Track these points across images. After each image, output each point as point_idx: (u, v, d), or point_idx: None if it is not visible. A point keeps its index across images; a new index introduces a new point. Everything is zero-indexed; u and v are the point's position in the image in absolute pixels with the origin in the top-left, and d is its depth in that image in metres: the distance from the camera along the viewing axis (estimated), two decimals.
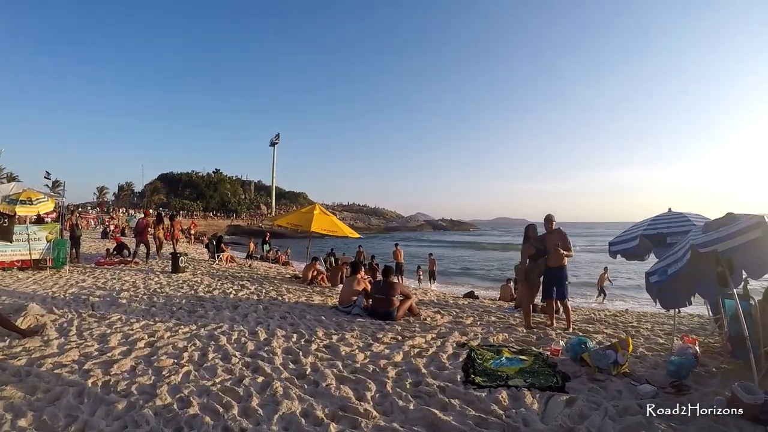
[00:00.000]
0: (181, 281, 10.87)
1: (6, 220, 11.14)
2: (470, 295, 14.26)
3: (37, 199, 11.37)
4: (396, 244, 21.43)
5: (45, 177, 45.43)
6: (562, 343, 5.36)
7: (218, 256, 15.39)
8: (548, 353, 5.16)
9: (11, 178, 72.53)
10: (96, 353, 5.06)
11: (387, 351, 5.32)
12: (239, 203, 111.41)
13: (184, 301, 8.36)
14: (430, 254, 22.64)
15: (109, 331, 5.98)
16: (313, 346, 5.55)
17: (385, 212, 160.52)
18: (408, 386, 4.14)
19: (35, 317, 6.31)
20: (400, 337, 6.04)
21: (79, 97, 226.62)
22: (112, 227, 31.71)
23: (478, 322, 7.28)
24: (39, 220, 12.54)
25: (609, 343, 5.03)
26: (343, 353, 5.21)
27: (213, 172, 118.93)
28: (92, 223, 37.89)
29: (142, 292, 9.23)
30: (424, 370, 4.56)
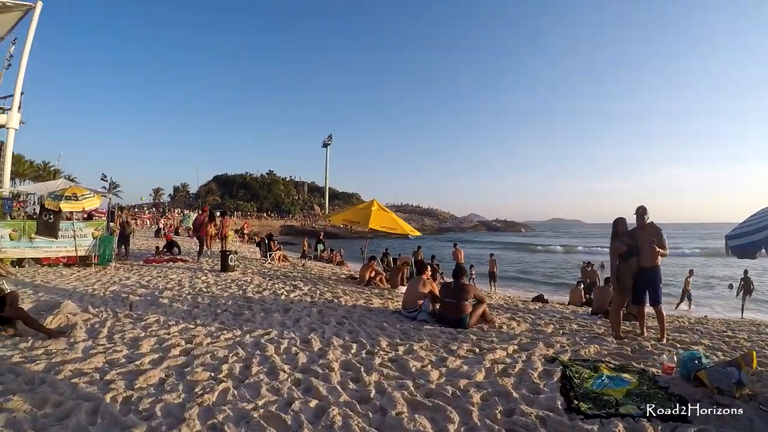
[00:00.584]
0: (229, 280, 10.39)
1: (51, 216, 11.22)
2: (540, 299, 13.39)
3: (83, 195, 11.35)
4: (455, 244, 20.84)
5: (102, 179, 47.89)
6: (675, 359, 4.61)
7: (270, 254, 14.95)
8: (655, 371, 4.56)
9: (70, 181, 77.61)
10: (123, 360, 4.44)
11: (465, 367, 4.57)
12: (293, 204, 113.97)
13: (230, 303, 7.76)
14: (491, 254, 21.89)
15: (143, 334, 5.39)
16: (377, 360, 4.71)
17: (439, 213, 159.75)
18: (499, 416, 3.42)
19: (67, 316, 5.86)
20: (477, 350, 5.28)
21: (135, 102, 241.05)
22: (161, 225, 32.63)
23: (561, 331, 6.61)
24: (88, 217, 12.57)
25: (728, 359, 4.54)
26: (414, 369, 4.46)
27: (267, 173, 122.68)
28: (147, 223, 39.48)
29: (187, 291, 8.78)
30: (514, 394, 3.85)
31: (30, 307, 6.66)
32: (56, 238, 11.48)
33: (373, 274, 11.38)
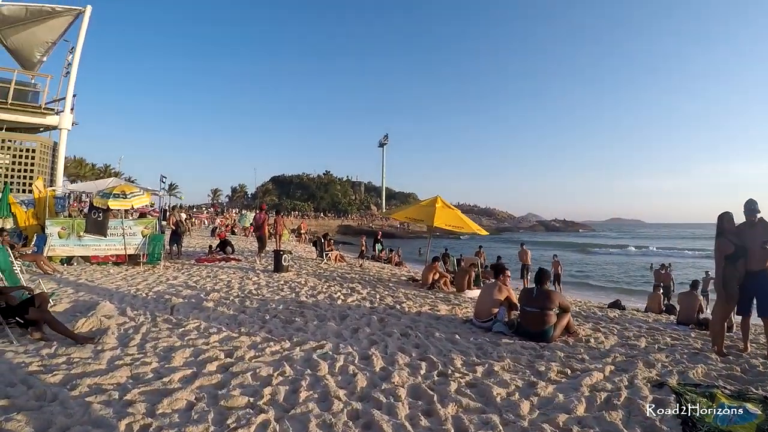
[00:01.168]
0: (282, 282, 9.89)
1: (100, 214, 11.25)
2: (617, 305, 12.47)
3: (132, 192, 11.31)
4: (522, 244, 20.24)
5: (161, 180, 49.92)
6: None
7: (326, 254, 14.43)
8: None
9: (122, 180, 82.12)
10: (150, 375, 3.88)
11: (560, 396, 3.81)
12: (349, 204, 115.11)
13: (281, 307, 7.16)
14: (555, 256, 21.35)
15: (178, 343, 4.84)
16: (453, 385, 3.93)
17: (497, 213, 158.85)
18: None
19: (100, 319, 5.45)
20: (569, 371, 4.53)
21: (194, 104, 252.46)
22: (217, 223, 33.29)
23: (656, 346, 5.84)
24: (141, 215, 12.55)
25: None
26: (498, 399, 3.70)
27: (323, 173, 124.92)
28: (205, 223, 40.66)
29: (235, 294, 8.33)
30: None
31: (67, 307, 6.41)
32: (105, 236, 11.57)
33: (437, 277, 10.53)
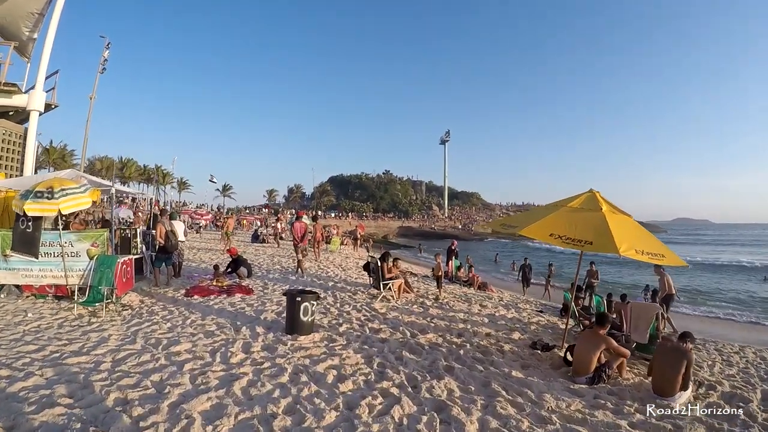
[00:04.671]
0: (295, 362, 4.89)
1: (29, 224, 6.78)
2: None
3: (62, 190, 6.78)
4: (592, 263, 15.37)
5: (210, 180, 46.70)
6: None
7: (385, 284, 9.07)
8: None
9: (182, 184, 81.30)
10: None
11: None
12: (410, 204, 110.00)
13: None
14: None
15: None
16: None
17: None
18: None
19: None
20: None
21: (252, 105, 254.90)
22: (260, 227, 28.91)
23: None
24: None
25: None
26: None
27: (383, 173, 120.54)
28: (257, 224, 36.61)
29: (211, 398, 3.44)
30: None
31: None
32: (36, 258, 7.00)
33: (617, 364, 5.32)
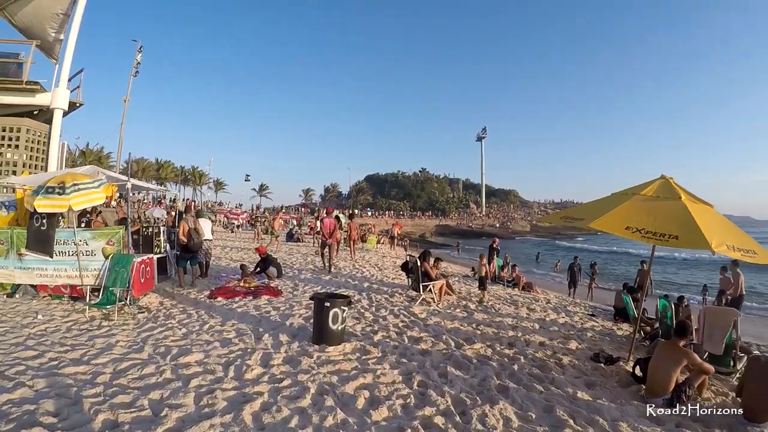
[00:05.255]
0: (320, 380, 4.13)
1: (44, 222, 6.40)
2: None
3: (75, 185, 6.26)
4: (643, 262, 13.70)
5: (246, 180, 47.08)
6: None
7: (426, 285, 8.17)
8: None
9: (218, 184, 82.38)
10: None
11: None
12: (447, 202, 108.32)
13: None
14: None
15: None
16: None
17: None
18: None
19: None
20: None
21: (287, 106, 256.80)
22: (295, 222, 28.39)
23: None
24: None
25: None
26: None
27: (419, 171, 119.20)
28: (293, 223, 36.29)
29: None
30: None
31: None
32: (51, 257, 6.53)
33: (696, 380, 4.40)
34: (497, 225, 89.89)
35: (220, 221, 36.93)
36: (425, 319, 6.89)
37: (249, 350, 4.87)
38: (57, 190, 6.08)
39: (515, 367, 4.83)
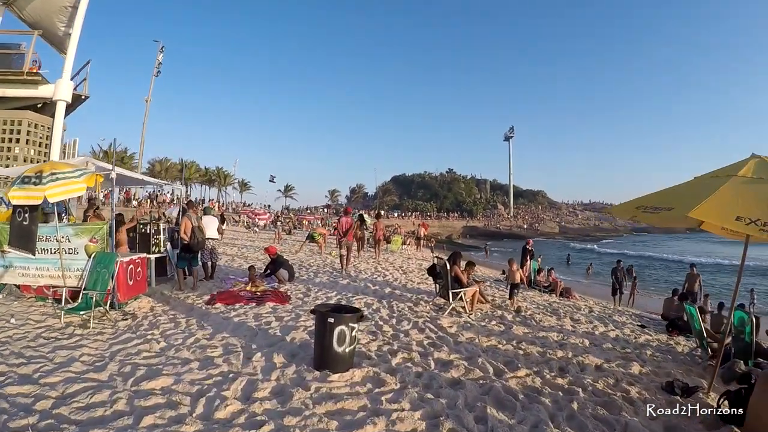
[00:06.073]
0: (314, 426, 3.09)
1: (26, 216, 5.75)
2: None
3: (52, 174, 5.48)
4: (693, 266, 13.49)
5: (270, 181, 46.70)
6: None
7: (456, 293, 7.02)
8: None
9: (243, 185, 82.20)
10: None
11: None
12: (474, 203, 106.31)
13: None
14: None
15: None
16: None
17: None
18: None
19: None
20: None
21: (313, 107, 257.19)
22: (319, 223, 27.37)
23: None
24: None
25: None
26: None
27: (446, 172, 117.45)
28: (319, 224, 35.60)
29: None
30: None
31: None
32: (33, 254, 5.77)
33: None
34: (525, 226, 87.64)
35: (243, 222, 36.50)
36: (455, 335, 5.81)
37: (231, 375, 3.90)
38: (33, 180, 5.33)
39: (574, 405, 3.71)
